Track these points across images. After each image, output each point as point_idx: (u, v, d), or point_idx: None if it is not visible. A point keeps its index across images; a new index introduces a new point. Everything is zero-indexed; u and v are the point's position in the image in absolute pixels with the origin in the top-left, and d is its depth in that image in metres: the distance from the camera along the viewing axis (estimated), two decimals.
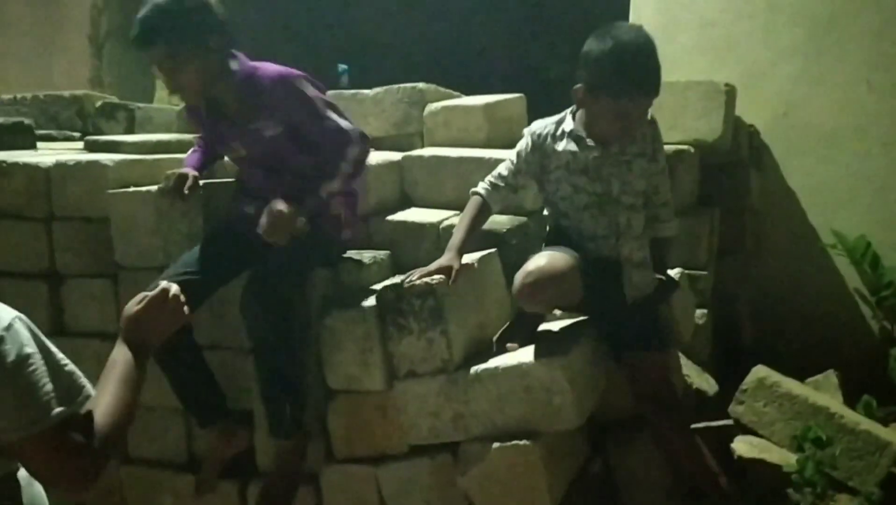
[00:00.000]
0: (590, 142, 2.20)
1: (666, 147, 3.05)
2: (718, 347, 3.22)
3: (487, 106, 3.11)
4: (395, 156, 2.96)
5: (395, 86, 3.30)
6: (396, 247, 2.69)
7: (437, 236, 2.65)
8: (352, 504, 2.32)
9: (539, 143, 2.27)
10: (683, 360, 2.79)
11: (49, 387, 1.18)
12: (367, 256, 2.61)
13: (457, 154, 2.93)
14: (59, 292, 2.72)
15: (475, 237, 2.36)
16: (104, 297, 2.67)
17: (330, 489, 2.35)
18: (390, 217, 2.74)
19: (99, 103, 3.95)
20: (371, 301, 2.25)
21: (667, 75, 3.77)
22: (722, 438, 2.66)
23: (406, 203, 2.91)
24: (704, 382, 2.84)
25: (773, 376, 2.77)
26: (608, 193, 2.23)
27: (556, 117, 2.29)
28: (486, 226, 2.56)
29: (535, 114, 2.57)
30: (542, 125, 2.30)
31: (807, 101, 3.64)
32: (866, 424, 2.62)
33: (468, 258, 2.34)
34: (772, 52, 3.71)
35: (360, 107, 3.29)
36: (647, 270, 2.32)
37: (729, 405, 2.77)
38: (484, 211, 2.33)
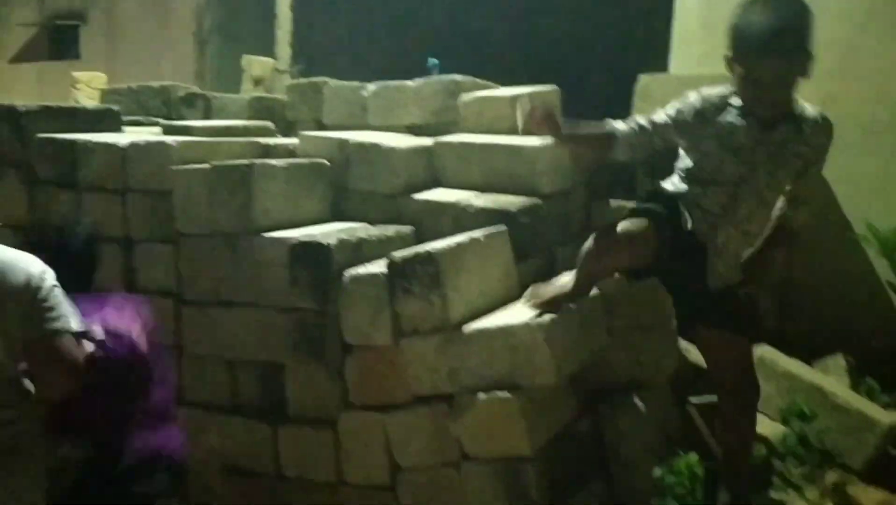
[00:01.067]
0: (754, 122, 2.14)
1: None
2: None
3: (514, 97, 3.34)
4: (427, 141, 3.24)
5: (434, 77, 3.58)
6: (420, 222, 2.97)
7: (457, 215, 2.91)
8: (364, 446, 2.62)
9: (704, 109, 2.20)
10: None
11: (71, 310, 1.57)
12: (391, 230, 2.90)
13: (483, 140, 3.18)
14: (131, 255, 3.13)
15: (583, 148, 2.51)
16: (168, 260, 3.06)
17: (345, 433, 2.65)
18: (416, 195, 3.02)
19: (182, 93, 4.40)
20: (382, 267, 2.54)
21: (709, 69, 3.90)
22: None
23: (435, 185, 3.17)
24: None
25: (773, 355, 2.90)
26: (750, 180, 2.17)
27: (726, 87, 2.22)
28: (497, 204, 2.82)
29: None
30: (713, 92, 2.23)
31: (843, 94, 3.68)
32: (859, 403, 2.72)
33: (478, 234, 2.59)
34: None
35: (401, 96, 3.59)
36: (735, 262, 2.28)
37: None
38: (607, 142, 2.33)
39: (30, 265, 1.76)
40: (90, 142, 3.19)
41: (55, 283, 1.77)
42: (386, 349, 2.55)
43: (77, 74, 7.94)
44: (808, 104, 2.22)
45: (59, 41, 11.38)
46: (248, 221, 2.79)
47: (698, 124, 2.21)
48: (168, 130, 3.65)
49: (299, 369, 2.75)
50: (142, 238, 3.12)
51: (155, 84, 4.61)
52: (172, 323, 2.99)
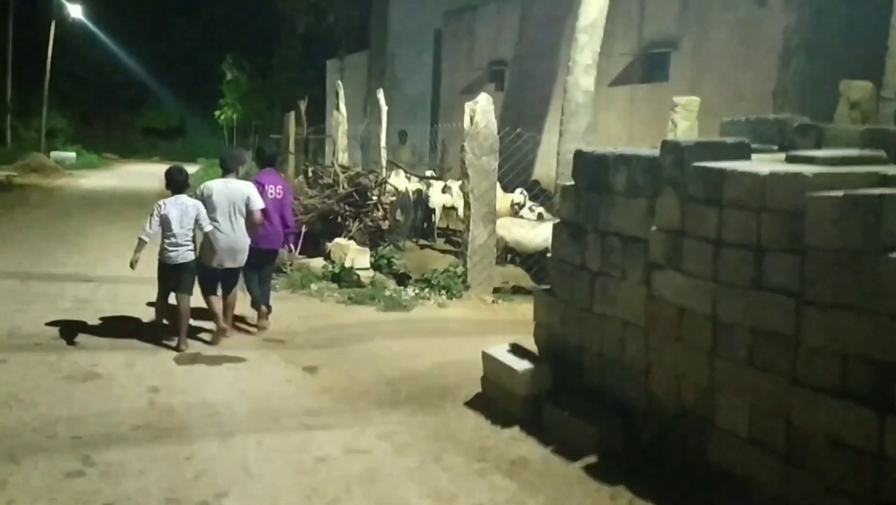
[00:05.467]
0: None
1: None
2: None
3: None
4: None
5: None
6: None
7: None
8: None
9: None
10: None
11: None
12: None
13: None
14: (761, 260, 3.95)
15: None
16: (792, 266, 3.78)
17: None
18: None
19: (796, 124, 5.11)
20: None
21: None
22: None
23: None
24: None
25: None
26: None
27: None
28: None
29: None
30: None
31: None
32: None
33: None
34: None
35: None
36: None
37: None
38: None
39: (248, 187, 6.63)
40: (736, 171, 4.13)
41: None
42: None
43: (676, 99, 9.22)
44: None
45: (650, 66, 13.11)
46: (875, 241, 3.38)
47: None
48: (791, 159, 4.40)
49: None
50: (771, 247, 3.93)
51: (770, 116, 5.41)
52: (793, 317, 3.74)
